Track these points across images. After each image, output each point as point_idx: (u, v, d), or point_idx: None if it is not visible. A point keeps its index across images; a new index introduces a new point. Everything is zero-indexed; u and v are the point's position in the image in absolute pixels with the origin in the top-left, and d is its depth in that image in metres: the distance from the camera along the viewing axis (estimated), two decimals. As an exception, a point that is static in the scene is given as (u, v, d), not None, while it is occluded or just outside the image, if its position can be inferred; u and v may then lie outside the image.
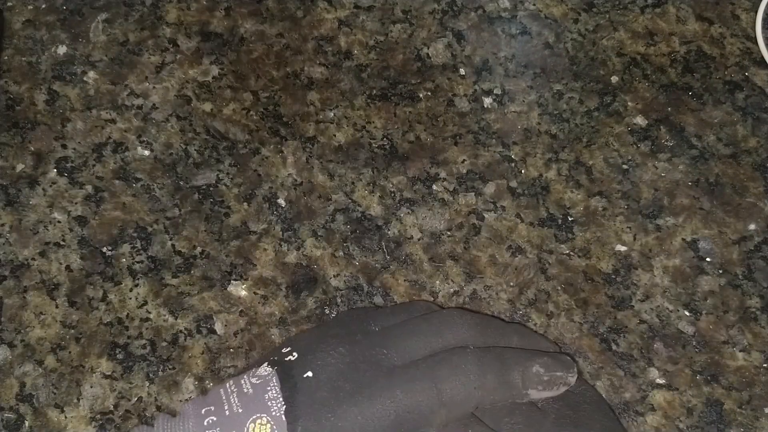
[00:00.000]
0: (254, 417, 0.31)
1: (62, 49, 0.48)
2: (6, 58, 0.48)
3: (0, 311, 0.41)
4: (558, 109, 0.49)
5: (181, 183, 0.45)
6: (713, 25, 0.52)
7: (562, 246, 0.45)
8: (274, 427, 0.30)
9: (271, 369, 0.32)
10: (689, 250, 0.45)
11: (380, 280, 0.43)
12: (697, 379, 0.41)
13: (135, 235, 0.44)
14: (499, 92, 0.49)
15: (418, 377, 0.32)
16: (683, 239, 0.45)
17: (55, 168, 0.45)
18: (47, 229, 0.43)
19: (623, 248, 0.45)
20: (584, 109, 0.49)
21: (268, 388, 0.32)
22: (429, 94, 0.49)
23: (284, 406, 0.31)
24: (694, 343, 0.42)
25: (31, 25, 0.49)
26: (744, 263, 0.45)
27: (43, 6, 0.50)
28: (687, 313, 0.43)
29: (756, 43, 0.51)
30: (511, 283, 0.44)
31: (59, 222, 0.44)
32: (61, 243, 0.43)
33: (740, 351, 0.42)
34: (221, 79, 0.48)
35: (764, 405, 0.41)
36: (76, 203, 0.44)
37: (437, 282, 0.43)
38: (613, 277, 0.44)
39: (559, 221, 0.45)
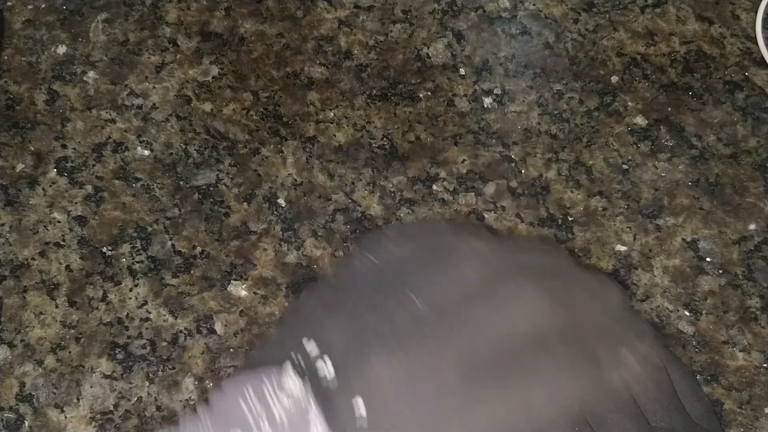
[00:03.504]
0: None
1: (62, 49, 0.48)
2: (6, 58, 0.48)
3: (0, 311, 0.41)
4: (558, 109, 0.49)
5: (181, 183, 0.45)
6: (713, 25, 0.51)
7: (562, 246, 0.45)
8: None
9: (300, 381, 0.28)
10: (689, 250, 0.45)
11: (380, 280, 0.43)
12: (697, 379, 0.41)
13: (135, 235, 0.44)
14: (499, 92, 0.49)
15: (506, 397, 0.27)
16: (683, 239, 0.45)
17: (55, 168, 0.45)
18: (47, 229, 0.43)
19: (623, 248, 0.45)
20: (584, 109, 0.49)
21: (308, 418, 0.27)
22: (429, 94, 0.49)
23: None
24: (694, 343, 0.42)
25: (31, 25, 0.49)
26: (744, 263, 0.45)
27: (43, 6, 0.50)
28: (687, 313, 0.43)
29: (756, 43, 0.51)
30: (511, 283, 0.44)
31: (59, 222, 0.44)
32: (61, 243, 0.43)
33: (740, 351, 0.42)
34: (221, 79, 0.48)
35: (764, 405, 0.41)
36: (76, 203, 0.44)
37: (437, 282, 0.43)
38: (613, 277, 0.44)
39: (559, 221, 0.45)
